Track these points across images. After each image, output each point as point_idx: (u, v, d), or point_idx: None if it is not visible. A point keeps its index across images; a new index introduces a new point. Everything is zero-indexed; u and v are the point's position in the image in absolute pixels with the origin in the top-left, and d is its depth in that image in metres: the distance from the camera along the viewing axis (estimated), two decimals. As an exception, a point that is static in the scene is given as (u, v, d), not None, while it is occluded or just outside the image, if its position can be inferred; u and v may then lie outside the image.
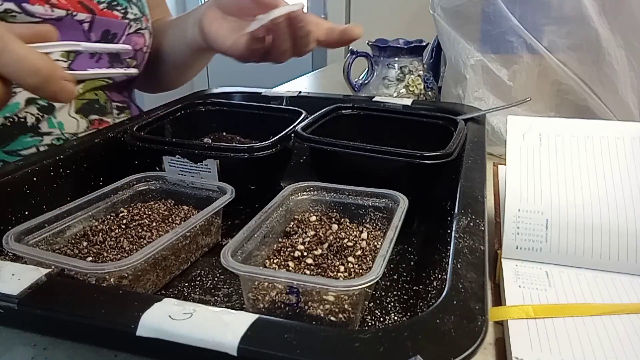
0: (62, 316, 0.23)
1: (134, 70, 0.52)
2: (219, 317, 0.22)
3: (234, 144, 0.51)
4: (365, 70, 0.75)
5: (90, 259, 0.35)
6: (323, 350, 0.20)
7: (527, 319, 0.31)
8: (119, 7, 0.55)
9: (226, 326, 0.21)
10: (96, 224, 0.39)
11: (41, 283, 0.24)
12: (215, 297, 0.34)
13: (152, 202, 0.43)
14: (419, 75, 0.72)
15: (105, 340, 0.24)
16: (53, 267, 0.29)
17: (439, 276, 0.34)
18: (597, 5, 0.55)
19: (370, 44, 0.74)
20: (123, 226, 0.39)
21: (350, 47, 0.74)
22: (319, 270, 0.33)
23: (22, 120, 0.50)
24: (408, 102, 0.59)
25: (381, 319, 0.32)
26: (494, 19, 0.59)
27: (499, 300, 0.36)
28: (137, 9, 0.58)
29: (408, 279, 0.36)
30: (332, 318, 0.30)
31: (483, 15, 0.60)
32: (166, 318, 0.21)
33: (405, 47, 0.72)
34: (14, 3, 0.45)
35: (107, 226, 0.38)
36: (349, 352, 0.20)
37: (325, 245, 0.36)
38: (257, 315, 0.22)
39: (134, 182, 0.43)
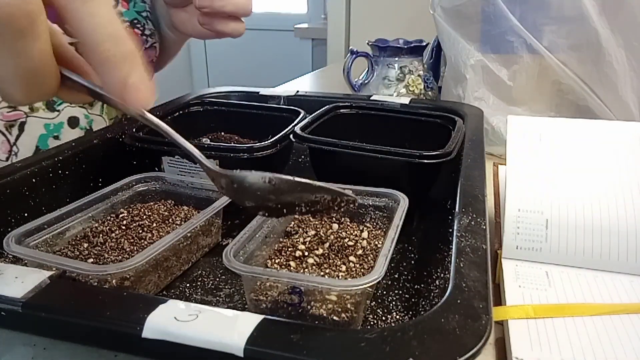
0: (66, 319, 0.23)
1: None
2: (225, 318, 0.22)
3: (233, 144, 0.51)
4: (365, 70, 0.75)
5: (91, 260, 0.34)
6: (329, 350, 0.20)
7: (527, 319, 0.31)
8: (138, 25, 0.58)
9: (232, 327, 0.21)
10: (96, 225, 0.38)
11: (44, 285, 0.24)
12: (217, 298, 0.34)
13: (151, 203, 0.43)
14: (419, 75, 0.72)
15: (110, 342, 0.24)
16: (55, 269, 0.28)
17: (441, 275, 0.34)
18: (597, 5, 0.55)
19: (370, 44, 0.74)
20: (123, 227, 0.38)
21: (351, 47, 0.74)
22: (321, 270, 0.33)
23: None
24: (406, 100, 0.59)
25: (383, 318, 0.32)
26: (494, 19, 0.60)
27: (499, 300, 0.36)
28: (152, 23, 0.61)
29: (409, 277, 0.36)
30: (334, 318, 0.30)
31: (483, 15, 0.60)
32: (172, 320, 0.21)
33: (405, 47, 0.72)
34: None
35: (107, 227, 0.38)
36: (355, 352, 0.20)
37: (326, 245, 0.36)
38: (262, 316, 0.22)
39: (134, 183, 0.43)
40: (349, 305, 0.30)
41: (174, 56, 0.70)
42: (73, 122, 0.55)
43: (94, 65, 0.23)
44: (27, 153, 0.50)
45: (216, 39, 0.59)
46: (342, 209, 0.28)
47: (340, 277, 0.33)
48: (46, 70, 0.22)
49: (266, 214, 0.29)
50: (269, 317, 0.22)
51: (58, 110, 0.53)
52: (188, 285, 0.36)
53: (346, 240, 0.37)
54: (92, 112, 0.57)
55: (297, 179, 0.27)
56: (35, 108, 0.51)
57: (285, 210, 0.28)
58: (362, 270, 0.34)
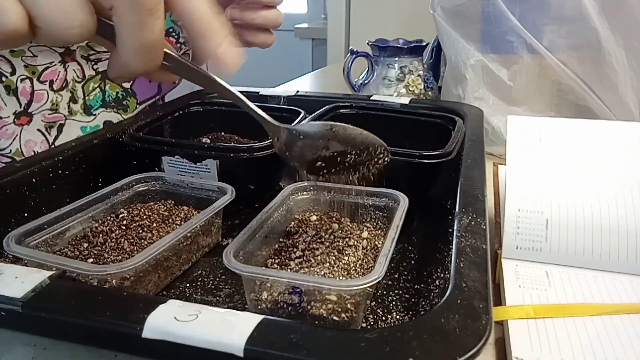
0: (66, 319, 0.23)
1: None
2: (225, 319, 0.22)
3: (233, 144, 0.51)
4: (365, 70, 0.75)
5: (91, 260, 0.34)
6: (329, 350, 0.20)
7: (527, 319, 0.31)
8: (174, 33, 0.61)
9: (232, 327, 0.21)
10: (96, 225, 0.38)
11: (44, 285, 0.24)
12: (217, 298, 0.34)
13: (151, 203, 0.43)
14: (419, 75, 0.72)
15: (110, 342, 0.24)
16: (55, 269, 0.28)
17: (441, 275, 0.34)
18: (597, 5, 0.55)
19: (370, 44, 0.74)
20: (123, 227, 0.38)
21: (351, 47, 0.74)
22: (321, 270, 0.33)
23: None
24: (406, 100, 0.59)
25: (383, 318, 0.32)
26: (494, 19, 0.60)
27: (499, 300, 0.36)
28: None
29: (409, 277, 0.36)
30: (334, 318, 0.30)
31: (483, 15, 0.60)
32: (172, 320, 0.21)
33: (405, 47, 0.72)
34: None
35: (107, 227, 0.38)
36: (355, 352, 0.20)
37: (326, 245, 0.36)
38: (262, 316, 0.22)
39: (134, 183, 0.43)
40: (349, 305, 0.30)
41: (204, 63, 0.72)
42: (108, 125, 0.57)
43: (193, 37, 0.28)
44: None
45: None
46: (380, 161, 0.33)
47: (340, 277, 0.33)
48: (160, 43, 0.26)
49: (322, 164, 0.33)
50: (269, 317, 0.22)
51: (94, 115, 0.56)
52: (188, 285, 0.36)
53: (346, 240, 0.37)
54: (126, 116, 0.59)
55: (351, 127, 0.32)
56: (74, 112, 0.54)
57: (336, 161, 0.32)
58: (362, 270, 0.34)
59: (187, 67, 0.29)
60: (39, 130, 0.52)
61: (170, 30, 0.61)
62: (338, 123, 0.33)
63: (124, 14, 0.24)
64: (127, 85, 0.58)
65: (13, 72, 0.49)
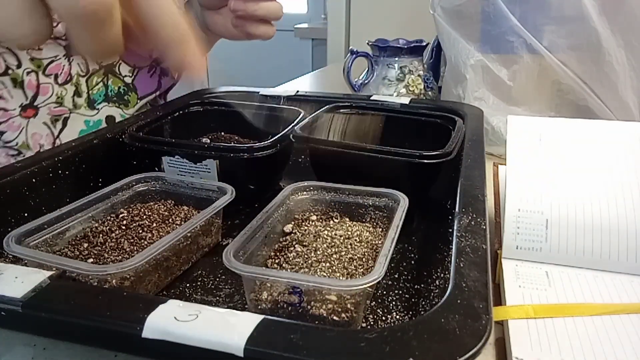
0: (66, 319, 0.23)
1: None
2: (225, 319, 0.22)
3: (233, 144, 0.51)
4: (365, 70, 0.75)
5: (91, 260, 0.34)
6: (329, 350, 0.20)
7: (527, 319, 0.31)
8: None
9: (232, 327, 0.21)
10: (96, 225, 0.38)
11: (45, 285, 0.24)
12: (217, 298, 0.34)
13: (151, 203, 0.43)
14: (419, 75, 0.72)
15: (110, 342, 0.24)
16: (55, 269, 0.28)
17: (441, 275, 0.34)
18: (597, 5, 0.55)
19: (370, 44, 0.74)
20: (123, 227, 0.38)
21: (350, 47, 0.74)
22: (321, 270, 0.33)
23: None
24: (406, 100, 0.59)
25: (383, 318, 0.32)
26: (494, 19, 0.60)
27: (499, 300, 0.36)
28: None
29: (409, 277, 0.36)
30: (334, 318, 0.30)
31: (483, 15, 0.60)
32: (171, 320, 0.21)
33: (405, 47, 0.72)
34: None
35: (107, 227, 0.38)
36: (355, 352, 0.20)
37: (326, 245, 0.36)
38: (262, 316, 0.22)
39: (134, 183, 0.43)
40: (349, 305, 0.30)
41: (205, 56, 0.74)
42: (110, 120, 0.58)
43: (156, 45, 0.27)
44: None
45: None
46: None
47: (340, 277, 0.33)
48: (117, 44, 0.26)
49: None
50: (269, 317, 0.22)
51: (97, 109, 0.57)
52: (188, 285, 0.36)
53: (346, 240, 0.37)
54: (127, 112, 0.60)
55: None
56: (78, 105, 0.55)
57: None
58: (362, 270, 0.34)
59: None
60: (44, 123, 0.52)
61: None
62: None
63: (72, 28, 0.24)
64: (128, 80, 0.59)
65: (19, 65, 0.50)
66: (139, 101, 0.61)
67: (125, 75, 0.59)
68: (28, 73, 0.50)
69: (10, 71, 0.49)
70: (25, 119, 0.51)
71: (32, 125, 0.52)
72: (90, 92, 0.56)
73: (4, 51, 0.49)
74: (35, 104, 0.51)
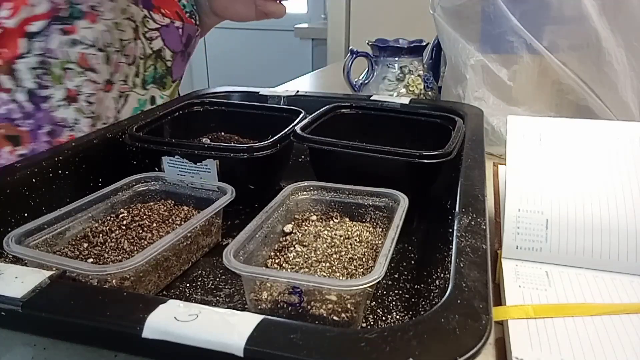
0: (66, 319, 0.23)
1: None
2: (225, 319, 0.22)
3: (233, 144, 0.51)
4: (365, 70, 0.75)
5: (91, 260, 0.34)
6: (329, 350, 0.20)
7: (527, 319, 0.31)
8: (193, 16, 0.68)
9: (232, 327, 0.21)
10: (96, 225, 0.38)
11: (45, 285, 0.24)
12: (217, 298, 0.34)
13: (151, 203, 0.43)
14: (419, 75, 0.72)
15: (110, 342, 0.24)
16: (55, 269, 0.28)
17: (441, 275, 0.34)
18: (597, 5, 0.55)
19: (370, 44, 0.74)
20: (123, 227, 0.38)
21: (350, 47, 0.74)
22: (321, 270, 0.33)
23: None
24: (406, 100, 0.59)
25: (383, 318, 0.32)
26: (494, 19, 0.60)
27: (499, 300, 0.36)
28: (198, 16, 0.70)
29: (409, 277, 0.36)
30: (334, 318, 0.30)
31: (483, 15, 0.60)
32: (172, 320, 0.21)
33: (405, 47, 0.72)
34: (147, 11, 0.61)
35: (107, 227, 0.38)
36: (355, 352, 0.20)
37: (326, 245, 0.36)
38: (262, 316, 0.22)
39: (134, 183, 0.43)
40: (349, 305, 0.30)
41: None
42: (153, 100, 0.64)
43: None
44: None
45: (213, 40, 0.73)
46: None
47: (340, 277, 0.33)
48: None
49: None
50: (269, 317, 0.22)
51: (147, 89, 0.63)
52: (188, 285, 0.36)
53: (346, 240, 0.37)
54: (164, 93, 0.66)
55: None
56: (136, 84, 0.62)
57: None
58: (362, 270, 0.34)
59: None
60: (114, 98, 0.59)
61: (192, 12, 0.67)
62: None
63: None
64: (169, 64, 0.65)
65: (111, 44, 0.56)
66: (172, 84, 0.67)
67: (168, 60, 0.65)
68: (115, 52, 0.57)
69: (107, 47, 0.55)
70: (105, 93, 0.57)
71: (107, 99, 0.58)
72: (144, 73, 0.62)
73: (105, 29, 0.53)
74: (112, 79, 0.58)
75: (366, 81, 0.74)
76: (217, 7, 0.67)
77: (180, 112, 0.56)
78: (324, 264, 0.34)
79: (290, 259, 0.35)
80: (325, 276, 0.33)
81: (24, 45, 0.49)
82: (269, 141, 0.44)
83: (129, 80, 0.60)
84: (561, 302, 0.33)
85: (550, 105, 0.63)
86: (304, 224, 0.39)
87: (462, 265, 0.26)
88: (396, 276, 0.36)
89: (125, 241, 0.37)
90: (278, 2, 0.64)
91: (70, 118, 0.54)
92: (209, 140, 0.56)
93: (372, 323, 0.32)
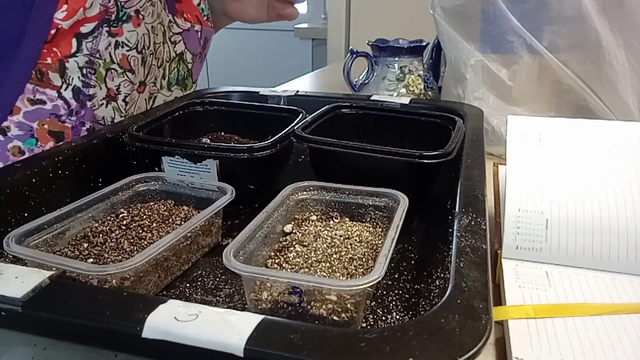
0: (66, 319, 0.23)
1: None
2: (225, 319, 0.22)
3: (233, 144, 0.51)
4: (365, 70, 0.75)
5: (91, 260, 0.34)
6: (329, 350, 0.20)
7: (527, 319, 0.31)
8: (209, 18, 0.69)
9: (232, 327, 0.21)
10: (96, 225, 0.38)
11: (44, 285, 0.24)
12: (217, 298, 0.34)
13: (151, 203, 0.43)
14: (419, 75, 0.72)
15: (110, 342, 0.24)
16: (55, 269, 0.28)
17: (441, 275, 0.34)
18: (597, 5, 0.55)
19: (370, 44, 0.74)
20: (123, 227, 0.38)
21: (351, 47, 0.74)
22: (321, 270, 0.33)
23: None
24: (406, 100, 0.59)
25: (383, 318, 0.32)
26: (494, 19, 0.60)
27: (498, 300, 0.36)
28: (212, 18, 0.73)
29: (409, 277, 0.36)
30: (334, 318, 0.30)
31: (483, 15, 0.60)
32: (172, 320, 0.21)
33: (405, 47, 0.72)
34: (172, 16, 0.63)
35: (107, 227, 0.38)
36: (354, 352, 0.20)
37: (326, 245, 0.36)
38: (262, 316, 0.22)
39: (134, 183, 0.43)
40: (349, 305, 0.30)
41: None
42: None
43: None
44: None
45: (213, 40, 0.72)
46: None
47: (340, 277, 0.33)
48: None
49: None
50: (269, 317, 0.22)
51: (171, 91, 0.67)
52: (188, 285, 0.36)
53: (346, 240, 0.37)
54: (185, 93, 0.68)
55: None
56: (162, 86, 0.65)
57: None
58: (362, 270, 0.34)
59: None
60: (145, 99, 0.61)
61: (208, 15, 0.68)
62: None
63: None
64: (190, 66, 0.68)
65: (148, 47, 0.58)
66: (193, 85, 0.69)
67: (189, 62, 0.67)
68: (150, 54, 0.59)
69: (145, 50, 0.58)
70: (138, 94, 0.59)
71: (140, 100, 0.60)
72: (169, 75, 0.64)
73: (146, 32, 0.55)
74: (145, 81, 0.60)
75: (366, 81, 0.74)
76: (231, 10, 0.69)
77: (180, 112, 0.56)
78: (324, 264, 0.34)
79: (290, 259, 0.35)
80: (325, 276, 0.33)
81: (75, 45, 0.51)
82: (269, 141, 0.44)
83: (157, 82, 0.62)
84: (561, 302, 0.33)
85: (550, 105, 0.63)
86: (304, 224, 0.39)
87: (462, 265, 0.26)
88: (396, 276, 0.36)
89: (125, 241, 0.37)
90: (292, 5, 0.67)
91: (108, 116, 0.56)
92: (209, 140, 0.56)
93: (372, 323, 0.32)
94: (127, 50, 0.55)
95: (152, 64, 0.60)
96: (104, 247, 0.36)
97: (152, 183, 0.44)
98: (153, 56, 0.59)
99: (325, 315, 0.30)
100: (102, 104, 0.55)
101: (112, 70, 0.54)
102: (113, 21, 0.53)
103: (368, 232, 0.38)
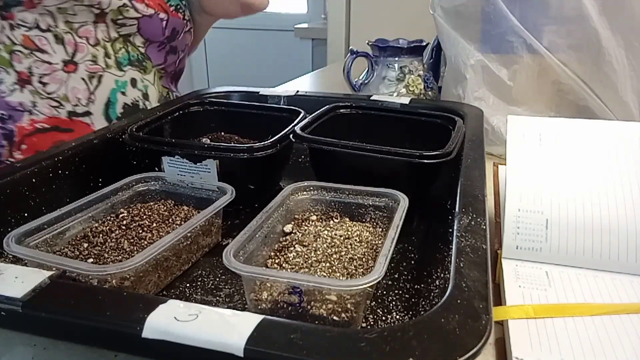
0: (66, 319, 0.23)
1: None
2: (225, 318, 0.22)
3: (233, 144, 0.51)
4: (365, 70, 0.75)
5: (91, 260, 0.34)
6: (329, 350, 0.20)
7: (527, 319, 0.31)
8: (181, 10, 0.68)
9: (232, 327, 0.21)
10: (96, 225, 0.38)
11: (44, 285, 0.24)
12: (217, 298, 0.34)
13: (151, 203, 0.43)
14: (419, 75, 0.72)
15: (110, 342, 0.24)
16: (55, 269, 0.28)
17: (441, 275, 0.34)
18: (597, 5, 0.55)
19: (370, 44, 0.74)
20: (123, 227, 0.38)
21: (351, 47, 0.74)
22: (321, 270, 0.33)
23: (137, 103, 0.64)
24: (406, 100, 0.59)
25: (383, 318, 0.32)
26: (494, 19, 0.60)
27: (499, 300, 0.36)
28: (188, 11, 0.71)
29: (409, 277, 0.36)
30: (334, 318, 0.30)
31: (483, 15, 0.60)
32: (172, 320, 0.21)
33: (405, 47, 0.72)
34: (129, 0, 0.60)
35: (107, 227, 0.38)
36: (354, 352, 0.20)
37: (326, 245, 0.36)
38: (262, 316, 0.22)
39: (134, 183, 0.43)
40: (349, 305, 0.30)
41: (200, 41, 0.82)
42: (134, 82, 0.64)
43: None
44: (101, 102, 0.60)
45: (213, 40, 0.73)
46: None
47: (340, 277, 0.33)
48: None
49: None
50: (269, 317, 0.22)
51: (124, 71, 0.63)
52: (188, 285, 0.36)
53: (346, 240, 0.37)
54: (145, 77, 0.66)
55: None
56: (109, 65, 0.61)
57: None
58: (362, 270, 0.34)
59: None
60: (82, 79, 0.58)
61: (178, 6, 0.67)
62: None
63: None
64: (142, 50, 0.65)
65: (57, 26, 0.56)
66: (153, 69, 0.67)
67: (139, 46, 0.65)
68: (65, 33, 0.56)
69: (51, 28, 0.54)
70: (66, 73, 0.56)
71: (72, 80, 0.57)
72: (116, 55, 0.61)
73: (44, 12, 0.54)
74: (74, 60, 0.57)
75: (366, 81, 0.74)
76: (205, 4, 0.69)
77: (180, 112, 0.56)
78: (324, 264, 0.34)
79: (290, 259, 0.35)
80: (325, 276, 0.33)
81: None
82: (269, 141, 0.44)
83: (99, 61, 0.59)
84: (561, 302, 0.33)
85: (550, 105, 0.63)
86: (304, 224, 0.39)
87: (462, 265, 0.26)
88: (396, 276, 0.36)
89: (125, 241, 0.37)
90: None
91: (28, 101, 0.54)
92: (209, 140, 0.56)
93: (372, 323, 0.32)
94: (27, 31, 0.53)
95: (79, 42, 0.57)
96: (104, 247, 0.36)
97: (152, 183, 0.44)
98: (75, 34, 0.57)
99: (325, 315, 0.30)
100: (15, 89, 0.53)
101: (17, 53, 0.53)
102: (1, 7, 0.52)
103: (368, 232, 0.38)
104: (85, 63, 0.58)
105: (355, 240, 0.37)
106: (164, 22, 0.65)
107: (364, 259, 0.35)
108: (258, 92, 0.65)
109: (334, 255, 0.35)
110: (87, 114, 0.58)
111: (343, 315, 0.30)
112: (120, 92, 0.62)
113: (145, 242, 0.37)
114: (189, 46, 0.74)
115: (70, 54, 0.57)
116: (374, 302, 0.33)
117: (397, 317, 0.32)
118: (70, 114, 0.57)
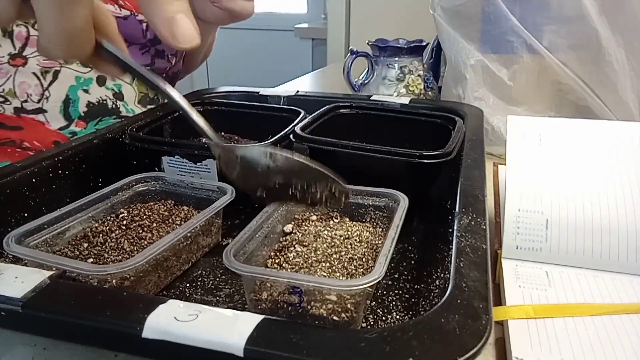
0: (66, 319, 0.23)
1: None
2: (225, 319, 0.22)
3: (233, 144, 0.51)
4: (365, 70, 0.75)
5: (91, 260, 0.34)
6: (329, 350, 0.20)
7: (527, 319, 0.31)
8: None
9: (232, 327, 0.21)
10: (96, 225, 0.38)
11: (44, 286, 0.24)
12: (217, 298, 0.34)
13: (151, 203, 0.43)
14: (419, 75, 0.72)
15: (110, 342, 0.24)
16: (55, 269, 0.28)
17: (441, 275, 0.34)
18: (597, 5, 0.55)
19: (370, 44, 0.74)
20: (123, 227, 0.38)
21: (350, 47, 0.74)
22: (321, 270, 0.33)
23: (104, 102, 0.61)
24: (406, 100, 0.59)
25: (383, 318, 0.32)
26: (494, 19, 0.60)
27: (498, 300, 0.36)
28: None
29: (409, 277, 0.36)
30: (334, 318, 0.30)
31: (483, 15, 0.60)
32: (172, 320, 0.21)
33: (405, 47, 0.72)
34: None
35: (107, 227, 0.38)
36: (354, 352, 0.20)
37: (326, 245, 0.36)
38: (262, 316, 0.22)
39: (134, 183, 0.43)
40: (349, 305, 0.30)
41: (204, 48, 0.77)
42: (101, 80, 0.60)
43: (143, 5, 0.25)
44: (57, 99, 0.57)
45: (215, 40, 0.68)
46: (336, 201, 0.29)
47: (340, 277, 0.33)
48: (85, 33, 0.25)
49: (264, 195, 0.30)
50: (269, 317, 0.22)
51: (90, 67, 0.57)
52: (188, 285, 0.36)
53: (346, 240, 0.37)
54: (121, 77, 0.63)
55: (296, 156, 0.28)
56: (70, 60, 0.57)
57: (281, 192, 0.29)
58: (362, 270, 0.34)
59: (128, 64, 0.27)
60: (33, 73, 0.55)
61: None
62: (279, 151, 0.29)
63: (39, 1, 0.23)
64: None
65: None
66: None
67: None
68: (18, 25, 0.53)
69: None
70: (13, 67, 0.53)
71: (20, 74, 0.54)
72: None
73: None
74: (24, 54, 0.54)
75: (366, 81, 0.74)
76: (196, 9, 0.66)
77: (181, 112, 0.56)
78: (324, 264, 0.34)
79: (290, 259, 0.35)
80: (325, 276, 0.33)
81: None
82: (268, 141, 0.44)
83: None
84: (561, 302, 0.33)
85: (550, 105, 0.63)
86: (304, 224, 0.39)
87: (462, 265, 0.26)
88: (396, 276, 0.36)
89: (125, 241, 0.37)
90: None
91: None
92: (209, 140, 0.55)
93: (372, 323, 0.32)
94: None
95: (33, 34, 0.53)
96: (104, 247, 0.36)
97: (152, 183, 0.44)
98: (28, 28, 0.53)
99: (325, 315, 0.30)
100: None
101: None
102: None
103: (368, 232, 0.38)
104: (38, 57, 0.54)
105: (355, 240, 0.37)
106: (144, 24, 0.62)
107: (364, 259, 0.35)
108: (258, 92, 0.65)
109: (334, 255, 0.35)
110: (40, 111, 0.56)
111: (343, 315, 0.30)
112: (82, 90, 0.59)
113: (145, 242, 0.37)
114: (182, 52, 0.70)
115: (19, 47, 0.53)
116: (374, 302, 0.33)
117: (397, 317, 0.32)
118: (18, 110, 0.55)
